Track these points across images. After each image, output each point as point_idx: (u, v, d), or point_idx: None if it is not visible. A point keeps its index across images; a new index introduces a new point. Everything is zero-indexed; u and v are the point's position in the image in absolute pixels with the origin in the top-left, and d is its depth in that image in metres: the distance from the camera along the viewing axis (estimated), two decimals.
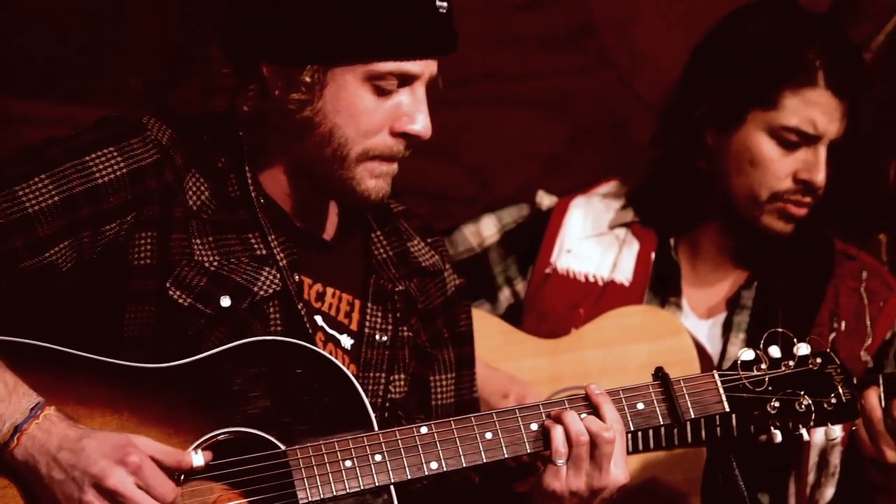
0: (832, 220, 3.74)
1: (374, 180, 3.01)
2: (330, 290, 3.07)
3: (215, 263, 2.98)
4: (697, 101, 3.70)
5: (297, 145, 3.01)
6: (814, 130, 3.60)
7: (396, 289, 3.13)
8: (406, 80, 2.97)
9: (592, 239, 3.87)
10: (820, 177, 3.62)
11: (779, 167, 3.64)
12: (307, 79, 2.94)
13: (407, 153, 3.02)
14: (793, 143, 3.63)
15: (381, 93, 2.97)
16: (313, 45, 2.95)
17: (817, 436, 3.05)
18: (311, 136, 2.99)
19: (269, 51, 2.96)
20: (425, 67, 2.98)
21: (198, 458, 2.78)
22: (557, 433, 2.92)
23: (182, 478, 2.80)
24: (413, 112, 2.98)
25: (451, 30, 3.01)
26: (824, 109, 3.60)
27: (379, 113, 2.98)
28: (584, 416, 2.93)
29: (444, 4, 2.98)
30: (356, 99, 2.97)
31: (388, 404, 3.08)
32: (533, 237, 3.91)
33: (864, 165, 3.70)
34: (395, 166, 3.03)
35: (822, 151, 3.62)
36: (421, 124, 2.99)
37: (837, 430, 3.05)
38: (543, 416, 2.95)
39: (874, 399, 3.34)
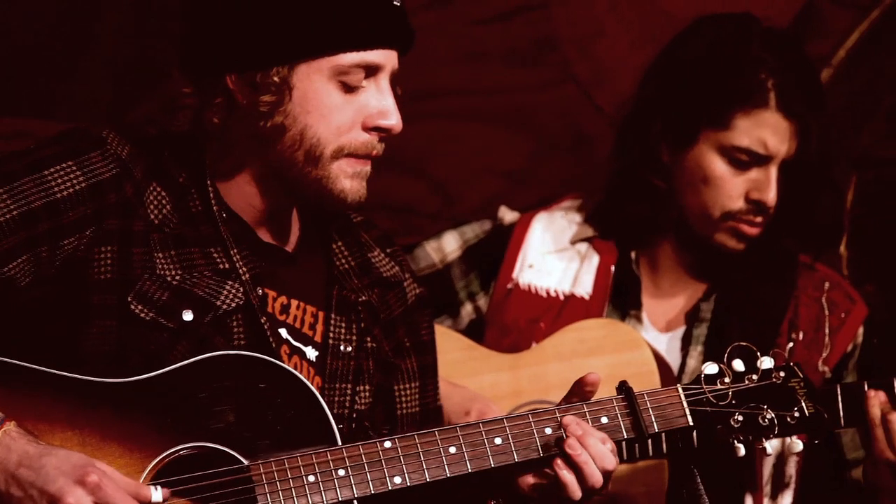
0: (790, 237, 3.75)
1: (349, 181, 3.01)
2: (294, 303, 3.07)
3: (177, 277, 2.97)
4: (652, 118, 3.71)
5: (267, 152, 3.00)
6: (765, 151, 3.61)
7: (360, 299, 3.13)
8: (371, 71, 2.98)
9: (554, 254, 3.88)
10: (771, 196, 3.63)
11: (731, 187, 3.65)
12: (275, 79, 2.94)
13: (381, 149, 3.03)
14: (744, 163, 3.64)
15: (349, 89, 2.97)
16: (275, 47, 2.95)
17: (772, 447, 3.05)
18: (283, 140, 2.98)
19: (232, 62, 2.96)
20: (387, 59, 2.99)
21: (157, 495, 2.75)
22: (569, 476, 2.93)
23: None
24: (382, 106, 2.99)
25: (408, 25, 3.03)
26: (775, 130, 3.61)
27: (349, 109, 2.98)
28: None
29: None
30: (325, 96, 2.97)
31: (354, 415, 3.07)
32: (495, 253, 3.91)
33: (820, 182, 3.71)
34: (368, 167, 3.03)
35: (773, 171, 3.63)
36: (393, 118, 3.00)
37: (798, 444, 3.06)
38: (507, 429, 2.95)
39: (878, 402, 3.36)
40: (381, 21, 2.99)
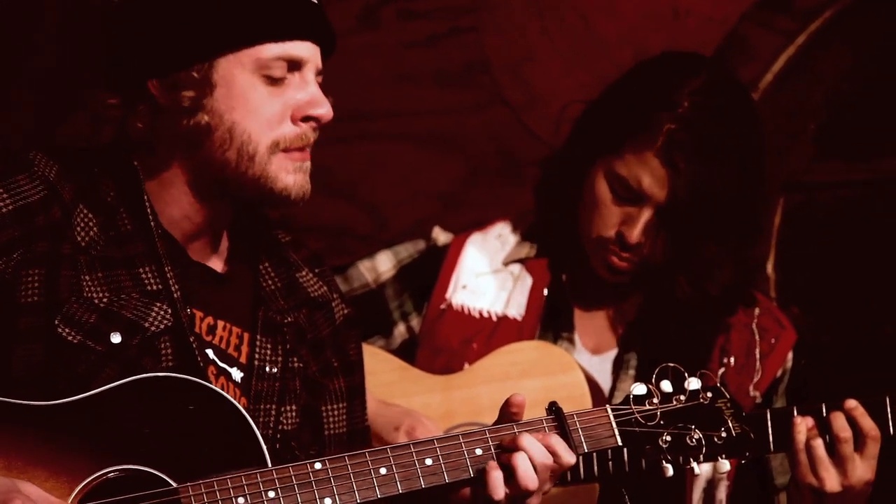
0: (679, 288, 3.72)
1: (291, 176, 3.00)
2: (221, 323, 3.06)
3: (105, 300, 2.95)
4: (581, 130, 3.74)
5: (197, 155, 2.98)
6: (638, 188, 3.61)
7: (286, 320, 3.12)
8: (294, 64, 2.98)
9: (488, 276, 3.89)
10: (634, 234, 3.63)
11: (607, 214, 3.66)
12: (194, 75, 2.93)
13: (314, 138, 3.01)
14: (622, 196, 3.64)
15: (273, 82, 2.97)
16: (192, 44, 2.94)
17: (703, 469, 3.07)
18: (211, 140, 2.97)
19: (152, 66, 2.95)
20: (310, 53, 3.00)
21: None
22: (521, 460, 2.93)
23: None
24: (310, 96, 3.00)
25: (327, 23, 3.03)
26: (652, 174, 3.60)
27: (276, 101, 2.98)
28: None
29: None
30: (249, 91, 2.97)
31: (279, 436, 3.07)
32: (429, 273, 3.91)
33: (691, 244, 3.67)
34: (308, 161, 3.02)
35: (645, 212, 3.63)
36: (322, 107, 3.00)
37: (727, 465, 3.08)
38: (438, 449, 2.95)
39: (804, 428, 3.39)
40: (300, 14, 2.98)
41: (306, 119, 3.00)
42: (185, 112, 2.94)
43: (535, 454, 2.94)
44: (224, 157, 2.97)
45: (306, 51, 2.99)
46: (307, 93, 2.99)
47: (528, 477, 2.93)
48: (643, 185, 3.61)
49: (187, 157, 3.00)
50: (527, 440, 2.95)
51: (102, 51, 3.00)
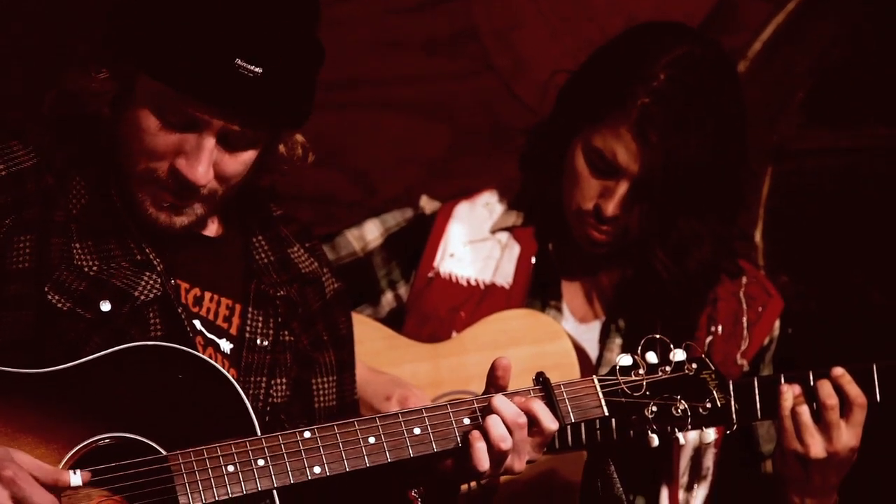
0: (656, 262, 3.73)
1: (162, 213, 2.97)
2: (208, 295, 3.06)
3: (95, 268, 2.95)
4: (563, 101, 3.74)
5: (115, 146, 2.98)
6: (612, 160, 3.61)
7: (278, 294, 3.13)
8: (191, 123, 2.91)
9: (475, 244, 3.89)
10: (609, 206, 3.62)
11: (585, 186, 3.66)
12: (116, 70, 2.91)
13: (200, 194, 2.95)
14: (599, 168, 3.64)
15: (166, 123, 2.91)
16: (127, 44, 2.91)
17: (689, 438, 3.09)
18: (115, 144, 2.96)
19: (102, 50, 2.93)
20: (215, 118, 2.90)
21: (76, 478, 2.74)
22: (495, 422, 2.93)
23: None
24: (191, 155, 2.92)
25: (256, 96, 2.89)
26: (626, 147, 3.60)
27: (159, 139, 2.92)
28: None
29: (254, 69, 2.87)
30: (141, 116, 2.92)
31: (269, 408, 3.07)
32: (416, 241, 3.91)
33: (669, 217, 3.67)
34: (189, 204, 2.97)
35: (622, 185, 3.63)
36: (194, 171, 2.91)
37: (711, 434, 3.10)
38: (426, 419, 2.96)
39: (791, 395, 3.40)
40: (217, 79, 2.87)
41: (178, 173, 2.93)
42: (98, 97, 2.92)
43: (506, 414, 2.94)
44: (117, 162, 2.97)
45: (210, 115, 2.89)
46: (190, 151, 2.91)
47: (500, 436, 2.93)
48: (618, 158, 3.61)
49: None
50: (498, 400, 2.95)
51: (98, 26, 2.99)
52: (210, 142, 2.92)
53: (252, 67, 2.87)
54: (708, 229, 3.67)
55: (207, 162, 2.92)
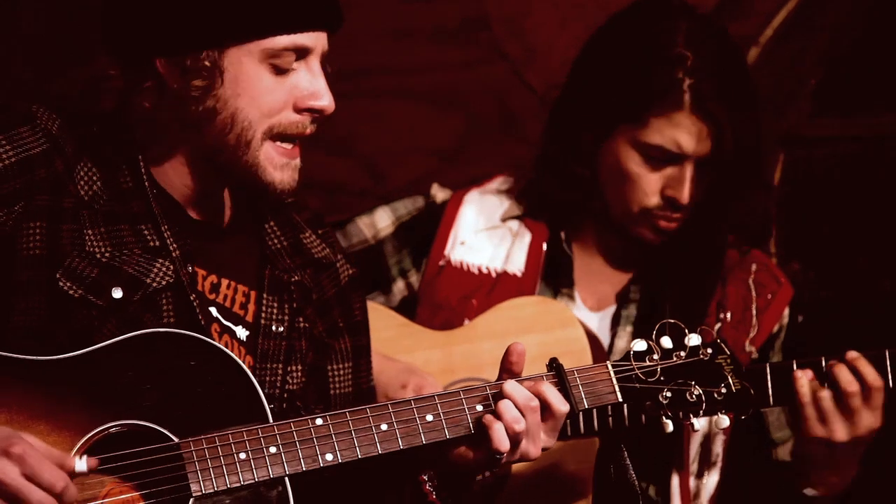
0: (716, 234, 3.75)
1: (278, 173, 3.01)
2: (225, 282, 3.06)
3: (107, 254, 2.95)
4: (576, 105, 3.71)
5: (198, 136, 2.99)
6: (678, 150, 3.61)
7: (292, 279, 3.12)
8: (301, 53, 2.98)
9: (486, 231, 3.89)
10: (684, 195, 3.63)
11: (646, 183, 3.65)
12: (206, 63, 2.93)
13: (313, 129, 3.03)
14: (658, 161, 3.63)
15: (280, 71, 2.98)
16: (206, 30, 2.94)
17: (700, 424, 3.08)
18: (214, 124, 2.97)
19: (161, 45, 2.95)
20: (317, 41, 3.00)
21: (81, 464, 2.73)
22: (507, 406, 2.93)
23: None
24: (314, 87, 3.00)
25: (336, 5, 3.04)
26: (689, 131, 3.60)
27: (280, 91, 2.98)
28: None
29: None
30: (256, 80, 2.97)
31: (286, 395, 3.07)
32: (427, 229, 3.91)
33: (743, 181, 3.69)
34: (297, 159, 3.03)
35: (688, 169, 3.63)
36: (325, 99, 3.01)
37: (725, 420, 3.09)
38: (438, 406, 2.96)
39: (807, 381, 3.40)
40: (311, 4, 2.99)
41: (307, 110, 3.01)
42: (194, 100, 2.95)
43: (518, 398, 2.94)
44: (223, 140, 2.98)
45: (315, 39, 3.00)
46: (312, 84, 3.00)
47: (513, 419, 2.93)
48: (682, 145, 3.60)
49: (188, 137, 3.01)
50: (509, 385, 2.96)
51: (107, 17, 2.98)
52: (318, 67, 3.00)
53: None
54: (766, 195, 3.72)
55: (325, 84, 3.01)
